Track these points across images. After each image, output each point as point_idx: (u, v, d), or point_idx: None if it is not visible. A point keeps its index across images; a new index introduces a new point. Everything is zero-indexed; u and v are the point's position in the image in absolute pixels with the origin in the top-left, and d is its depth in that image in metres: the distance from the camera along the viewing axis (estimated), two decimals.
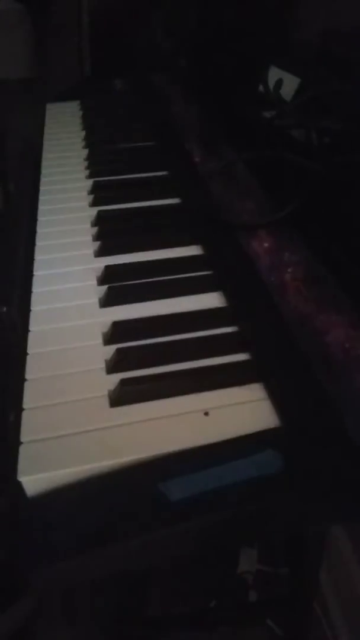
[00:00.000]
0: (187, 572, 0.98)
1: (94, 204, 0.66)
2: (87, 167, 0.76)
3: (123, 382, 0.39)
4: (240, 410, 0.37)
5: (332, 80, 0.68)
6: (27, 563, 0.32)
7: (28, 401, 0.38)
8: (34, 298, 0.49)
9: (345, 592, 0.89)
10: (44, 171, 0.75)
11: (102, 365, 0.42)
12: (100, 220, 0.62)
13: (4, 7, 1.37)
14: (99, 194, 0.67)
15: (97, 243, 0.57)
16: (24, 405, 0.38)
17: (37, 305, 0.48)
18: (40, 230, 0.60)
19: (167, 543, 0.34)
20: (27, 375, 0.41)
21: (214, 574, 0.99)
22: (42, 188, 0.70)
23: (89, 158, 0.79)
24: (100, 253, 0.56)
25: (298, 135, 0.65)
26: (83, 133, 0.89)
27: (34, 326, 0.46)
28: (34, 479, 0.34)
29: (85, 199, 0.67)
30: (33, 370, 0.41)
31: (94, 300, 0.49)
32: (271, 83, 0.74)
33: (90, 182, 0.71)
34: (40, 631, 0.78)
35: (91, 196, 0.68)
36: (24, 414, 0.37)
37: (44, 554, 0.32)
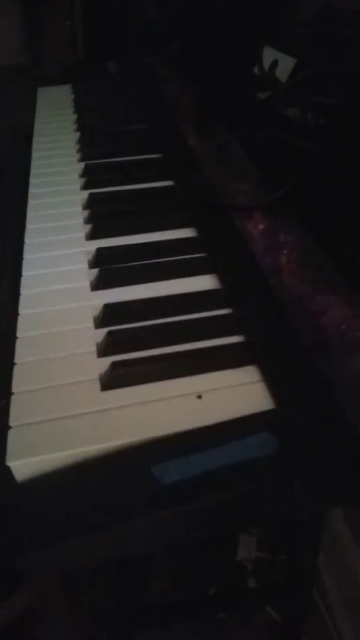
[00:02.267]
0: (187, 559, 0.98)
1: (85, 187, 0.65)
2: (79, 150, 0.75)
3: (114, 365, 0.38)
4: (235, 393, 0.37)
5: (328, 59, 0.66)
6: (17, 549, 0.31)
7: (17, 385, 0.38)
8: (23, 281, 0.48)
9: (344, 578, 0.90)
10: (34, 154, 0.74)
11: (93, 348, 0.41)
12: (91, 203, 0.61)
13: None
14: (90, 177, 0.66)
15: (89, 226, 0.56)
16: (13, 389, 0.37)
17: (27, 289, 0.47)
18: (31, 213, 0.59)
19: (161, 526, 0.33)
20: (17, 359, 0.40)
21: (213, 561, 1.00)
22: (32, 172, 0.69)
23: (80, 141, 0.78)
24: (91, 236, 0.55)
25: (293, 115, 0.64)
26: (75, 116, 0.88)
27: (24, 310, 0.45)
28: (23, 464, 0.33)
29: (77, 182, 0.66)
30: (22, 354, 0.40)
31: (85, 284, 0.48)
32: (266, 64, 0.73)
33: (82, 165, 0.70)
34: (41, 620, 0.78)
35: (83, 179, 0.66)
36: (13, 398, 0.37)
37: (34, 539, 0.31)
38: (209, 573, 0.98)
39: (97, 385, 0.38)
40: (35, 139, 0.79)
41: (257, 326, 0.42)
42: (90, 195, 0.62)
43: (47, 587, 0.78)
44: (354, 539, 0.87)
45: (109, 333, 0.42)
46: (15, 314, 0.44)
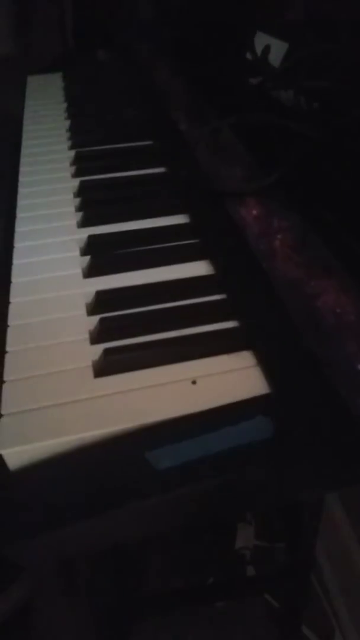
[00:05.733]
0: (185, 548, 0.98)
1: (76, 174, 0.64)
2: (70, 138, 0.74)
3: (107, 352, 0.38)
4: (229, 378, 0.36)
5: (320, 42, 0.66)
6: (11, 537, 0.31)
7: (9, 373, 0.37)
8: (14, 270, 0.47)
9: (342, 565, 0.90)
10: (24, 143, 0.73)
11: (86, 335, 0.40)
12: (82, 191, 0.60)
13: None
14: (81, 165, 0.65)
15: (80, 214, 0.56)
16: (5, 378, 0.37)
17: (18, 277, 0.47)
18: (22, 202, 0.58)
19: (156, 513, 0.33)
20: (8, 348, 0.39)
21: (211, 550, 1.00)
22: (22, 160, 0.68)
23: (71, 129, 0.77)
24: (83, 224, 0.54)
25: (286, 99, 0.63)
26: (65, 104, 0.87)
27: (15, 298, 0.44)
28: (16, 452, 0.32)
29: (68, 170, 0.65)
30: (14, 342, 0.40)
31: (77, 271, 0.47)
32: (258, 49, 0.72)
33: (72, 153, 0.69)
34: (40, 609, 0.78)
35: (74, 167, 0.66)
36: (5, 387, 0.36)
37: (28, 527, 0.31)
38: (207, 562, 0.98)
39: (90, 372, 0.37)
40: (25, 127, 0.78)
41: (252, 311, 0.41)
42: (81, 182, 0.61)
43: (46, 579, 0.78)
44: (352, 526, 0.87)
45: (102, 320, 0.41)
46: (6, 302, 0.44)
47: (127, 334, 0.40)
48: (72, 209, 0.57)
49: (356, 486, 0.46)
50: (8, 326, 0.41)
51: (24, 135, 0.75)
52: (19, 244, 0.51)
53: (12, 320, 0.42)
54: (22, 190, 0.61)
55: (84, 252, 0.50)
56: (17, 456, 0.33)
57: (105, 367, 0.37)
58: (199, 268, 0.47)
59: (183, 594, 0.93)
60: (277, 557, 0.99)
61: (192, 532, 0.97)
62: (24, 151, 0.70)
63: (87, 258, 0.48)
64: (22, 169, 0.66)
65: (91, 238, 0.51)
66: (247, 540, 1.01)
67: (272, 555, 0.99)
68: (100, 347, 0.39)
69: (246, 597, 0.96)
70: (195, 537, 0.98)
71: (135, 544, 0.89)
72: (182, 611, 0.92)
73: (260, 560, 0.99)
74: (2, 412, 0.34)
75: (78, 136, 0.74)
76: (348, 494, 0.86)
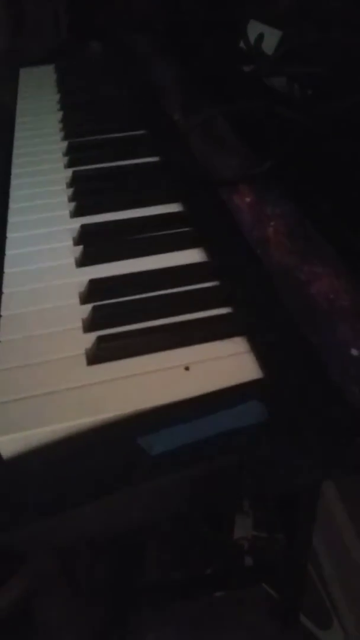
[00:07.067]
0: (184, 539, 0.98)
1: (69, 165, 0.64)
2: (62, 129, 0.74)
3: (100, 340, 0.38)
4: (222, 364, 0.36)
5: (313, 30, 0.65)
6: (7, 524, 0.31)
7: (2, 362, 0.37)
8: (7, 260, 0.47)
9: (340, 555, 0.91)
10: (17, 134, 0.72)
11: (79, 324, 0.40)
12: (75, 181, 0.60)
13: None
14: (74, 155, 0.65)
15: (73, 203, 0.55)
16: None
17: (11, 267, 0.46)
18: (14, 192, 0.58)
19: (151, 498, 0.33)
20: (1, 337, 0.39)
21: (209, 541, 1.00)
22: (15, 151, 0.67)
23: (63, 120, 0.76)
24: (76, 213, 0.54)
25: (280, 87, 0.63)
26: (58, 96, 0.86)
27: (8, 288, 0.44)
28: (10, 440, 0.32)
29: (61, 160, 0.65)
30: (7, 331, 0.40)
31: (71, 261, 0.47)
32: (252, 37, 0.72)
33: (65, 143, 0.69)
34: (40, 602, 0.78)
35: (66, 157, 0.65)
36: None
37: (24, 515, 0.31)
38: (205, 553, 0.99)
39: (83, 360, 0.37)
40: (18, 119, 0.78)
41: (245, 298, 0.41)
42: (74, 172, 0.61)
43: (45, 572, 0.78)
44: (349, 517, 0.88)
45: (95, 308, 0.41)
46: None
47: (120, 322, 0.40)
48: (65, 199, 0.56)
49: (351, 475, 0.46)
50: (1, 316, 0.41)
51: (17, 127, 0.75)
52: (11, 235, 0.51)
53: (5, 310, 0.42)
54: (14, 182, 0.61)
55: (76, 242, 0.49)
56: (11, 444, 0.32)
57: (98, 355, 0.37)
58: (193, 256, 0.47)
59: (181, 585, 0.93)
60: (275, 548, 0.99)
61: (190, 523, 0.97)
62: (17, 142, 0.70)
63: (80, 247, 0.48)
64: (15, 160, 0.66)
65: (84, 227, 0.51)
66: (245, 530, 1.02)
67: (270, 545, 1.00)
68: (93, 335, 0.39)
69: (244, 587, 0.97)
70: (193, 527, 0.99)
71: (133, 535, 0.90)
72: (181, 601, 0.93)
73: (258, 551, 0.99)
74: None
75: (71, 127, 0.74)
76: (345, 484, 0.87)
